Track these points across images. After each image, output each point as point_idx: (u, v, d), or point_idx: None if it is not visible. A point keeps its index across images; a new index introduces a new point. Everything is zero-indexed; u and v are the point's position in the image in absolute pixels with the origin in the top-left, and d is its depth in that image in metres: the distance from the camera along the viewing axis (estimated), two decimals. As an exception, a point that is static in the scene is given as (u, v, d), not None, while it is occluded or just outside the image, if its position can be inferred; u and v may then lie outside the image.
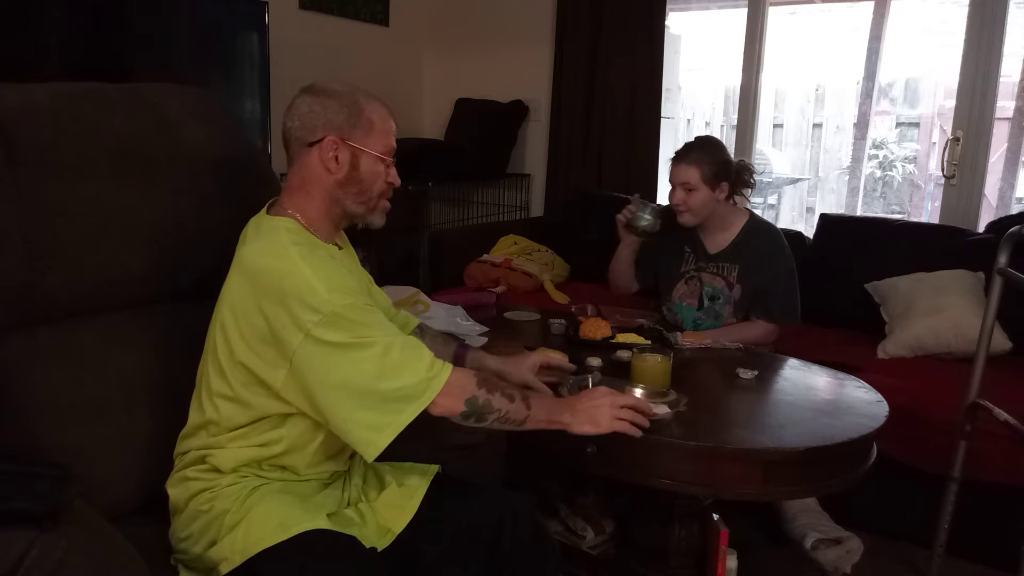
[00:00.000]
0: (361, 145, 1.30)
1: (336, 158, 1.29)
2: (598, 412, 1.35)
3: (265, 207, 1.38)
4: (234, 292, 1.25)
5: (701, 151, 2.23)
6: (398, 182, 1.37)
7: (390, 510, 1.39)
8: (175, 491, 1.32)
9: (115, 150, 1.44)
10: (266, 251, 1.24)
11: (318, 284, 1.19)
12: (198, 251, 1.55)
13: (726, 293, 2.31)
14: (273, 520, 1.21)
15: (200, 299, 1.58)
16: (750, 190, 2.33)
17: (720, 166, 2.22)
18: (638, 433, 1.39)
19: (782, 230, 2.64)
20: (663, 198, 3.60)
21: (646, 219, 2.26)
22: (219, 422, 1.29)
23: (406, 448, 1.54)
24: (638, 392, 1.59)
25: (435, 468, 1.47)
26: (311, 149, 1.30)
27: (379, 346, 1.20)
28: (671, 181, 2.26)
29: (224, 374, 1.27)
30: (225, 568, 1.20)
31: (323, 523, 1.22)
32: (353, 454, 1.45)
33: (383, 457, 1.39)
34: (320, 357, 1.18)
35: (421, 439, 1.55)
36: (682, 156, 2.25)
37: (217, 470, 1.30)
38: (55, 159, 1.35)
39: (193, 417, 1.34)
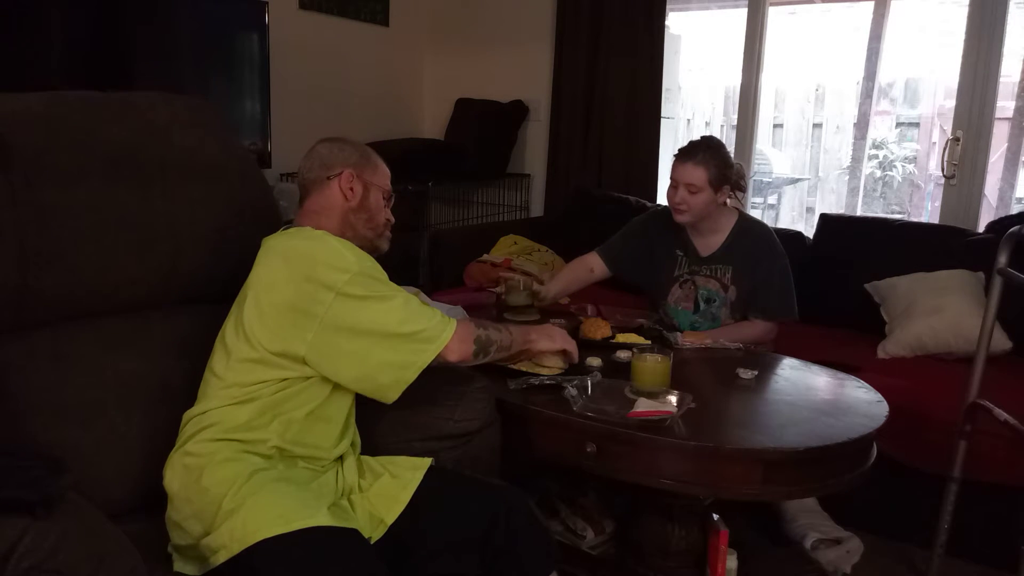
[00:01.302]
0: (371, 180, 1.54)
1: (352, 188, 1.51)
2: (553, 333, 1.70)
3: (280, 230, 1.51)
4: (263, 272, 1.39)
5: (708, 152, 2.19)
6: (393, 220, 1.61)
7: (383, 500, 1.41)
8: (171, 472, 1.34)
9: (108, 156, 1.45)
10: (299, 237, 1.42)
11: (346, 252, 1.38)
12: (191, 255, 1.56)
13: (721, 295, 2.30)
14: (273, 511, 1.22)
15: (193, 302, 1.60)
16: (742, 194, 2.33)
17: (725, 169, 2.20)
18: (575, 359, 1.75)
19: (781, 230, 2.64)
20: (663, 198, 3.62)
21: (514, 299, 2.32)
22: (234, 381, 1.36)
23: (399, 441, 1.56)
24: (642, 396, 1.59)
25: (428, 461, 1.49)
26: (331, 181, 1.51)
27: (399, 299, 1.39)
28: (675, 178, 2.22)
29: (249, 340, 1.35)
30: (223, 556, 1.20)
31: (324, 519, 1.23)
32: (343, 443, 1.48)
33: (378, 451, 1.48)
34: (351, 311, 1.34)
35: (413, 432, 1.57)
36: (690, 155, 2.19)
37: (214, 427, 1.32)
38: (48, 164, 1.36)
39: (201, 395, 1.40)
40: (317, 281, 1.33)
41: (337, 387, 1.41)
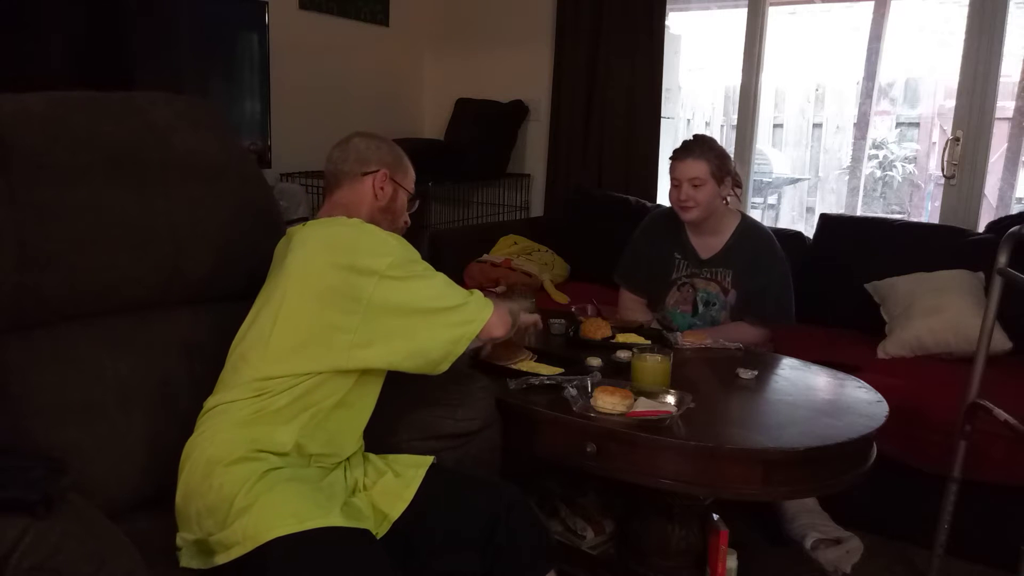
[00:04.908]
0: (401, 183, 1.59)
1: (383, 188, 1.56)
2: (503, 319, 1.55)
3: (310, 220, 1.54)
4: (303, 259, 1.39)
5: (703, 146, 2.23)
6: (409, 223, 1.66)
7: (387, 497, 1.41)
8: (188, 461, 1.33)
9: (108, 156, 1.45)
10: (338, 224, 1.46)
11: (388, 237, 1.43)
12: (191, 255, 1.56)
13: (721, 299, 2.30)
14: (286, 509, 1.22)
15: (193, 302, 1.59)
16: (740, 190, 2.33)
17: (723, 161, 2.23)
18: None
19: (781, 230, 2.64)
20: (663, 198, 3.61)
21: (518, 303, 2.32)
22: (267, 373, 1.36)
23: (400, 440, 1.56)
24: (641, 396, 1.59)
25: (430, 459, 1.49)
26: (365, 178, 1.55)
27: (440, 277, 1.46)
28: (676, 177, 2.23)
29: (295, 327, 1.36)
30: (235, 553, 1.20)
31: (337, 519, 1.23)
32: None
33: (379, 449, 1.49)
34: (396, 291, 1.38)
35: (413, 430, 1.57)
36: (688, 151, 2.22)
37: (235, 418, 1.33)
38: (49, 164, 1.36)
39: (229, 384, 1.39)
40: (361, 266, 1.36)
41: (361, 382, 1.43)
